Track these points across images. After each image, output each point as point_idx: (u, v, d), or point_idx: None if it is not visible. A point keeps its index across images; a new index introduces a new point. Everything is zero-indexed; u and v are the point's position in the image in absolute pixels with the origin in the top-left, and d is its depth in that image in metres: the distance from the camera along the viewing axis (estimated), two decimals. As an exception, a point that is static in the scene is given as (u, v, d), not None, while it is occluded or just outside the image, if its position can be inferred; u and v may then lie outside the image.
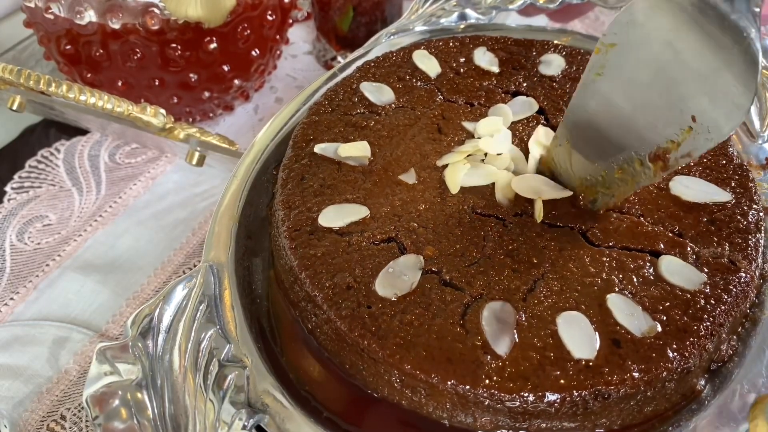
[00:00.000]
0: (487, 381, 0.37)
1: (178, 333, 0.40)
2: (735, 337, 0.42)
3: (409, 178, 0.49)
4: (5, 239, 0.63)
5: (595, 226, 0.45)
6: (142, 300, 0.58)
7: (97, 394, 0.38)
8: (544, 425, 0.39)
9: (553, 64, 0.59)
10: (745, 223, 0.46)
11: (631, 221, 0.46)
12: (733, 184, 0.48)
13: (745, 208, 0.47)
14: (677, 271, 0.42)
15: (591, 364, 0.38)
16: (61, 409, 0.51)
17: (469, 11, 0.67)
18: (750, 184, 0.48)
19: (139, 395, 0.38)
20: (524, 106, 0.55)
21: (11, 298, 0.58)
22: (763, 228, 0.46)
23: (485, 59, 0.60)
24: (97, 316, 0.57)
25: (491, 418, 0.38)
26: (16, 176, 0.69)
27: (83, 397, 0.38)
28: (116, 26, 0.61)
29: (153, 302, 0.41)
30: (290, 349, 0.45)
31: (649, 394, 0.38)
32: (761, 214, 0.47)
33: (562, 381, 0.37)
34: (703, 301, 0.41)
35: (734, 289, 0.42)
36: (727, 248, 0.44)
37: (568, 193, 0.47)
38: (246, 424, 0.38)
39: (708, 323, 0.40)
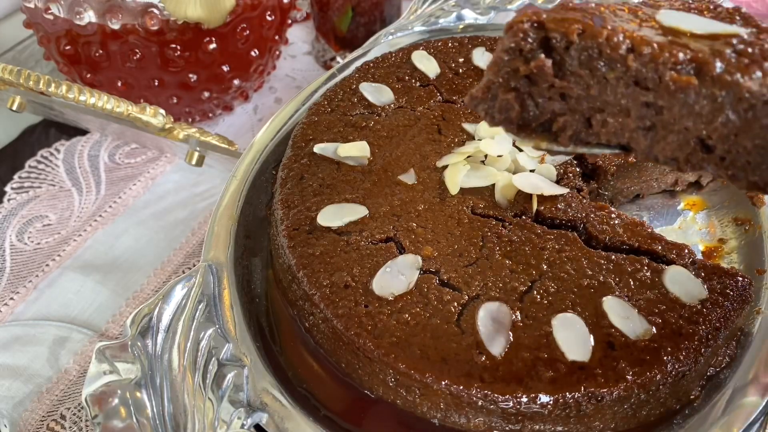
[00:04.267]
0: (480, 381, 0.37)
1: (177, 332, 0.41)
2: (734, 342, 0.42)
3: (409, 178, 0.49)
4: (5, 239, 0.63)
5: (594, 227, 0.45)
6: (141, 300, 0.58)
7: (97, 393, 0.38)
8: (537, 428, 0.39)
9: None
10: None
11: (630, 221, 0.46)
12: None
13: None
14: (681, 281, 0.42)
15: (584, 366, 0.38)
16: (60, 409, 0.51)
17: (467, 11, 0.67)
18: None
19: (138, 394, 0.38)
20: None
21: (11, 298, 0.58)
22: None
23: (484, 59, 0.60)
24: (96, 316, 0.57)
25: (484, 419, 0.39)
26: (16, 176, 0.69)
27: (82, 396, 0.38)
28: (116, 27, 0.61)
29: (152, 302, 0.41)
30: (289, 348, 0.45)
31: (643, 397, 0.38)
32: None
33: (555, 382, 0.37)
34: (699, 305, 0.41)
35: (731, 293, 0.42)
36: None
37: (566, 191, 0.47)
38: (245, 423, 0.38)
39: (704, 327, 0.40)
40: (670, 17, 0.34)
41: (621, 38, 0.31)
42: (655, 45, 0.31)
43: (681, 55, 0.31)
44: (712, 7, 0.38)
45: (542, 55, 0.33)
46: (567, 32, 0.32)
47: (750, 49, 0.31)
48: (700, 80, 0.31)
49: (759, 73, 0.30)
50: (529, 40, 0.33)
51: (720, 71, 0.30)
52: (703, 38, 0.33)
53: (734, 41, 0.32)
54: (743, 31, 0.33)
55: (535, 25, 0.33)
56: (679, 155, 0.33)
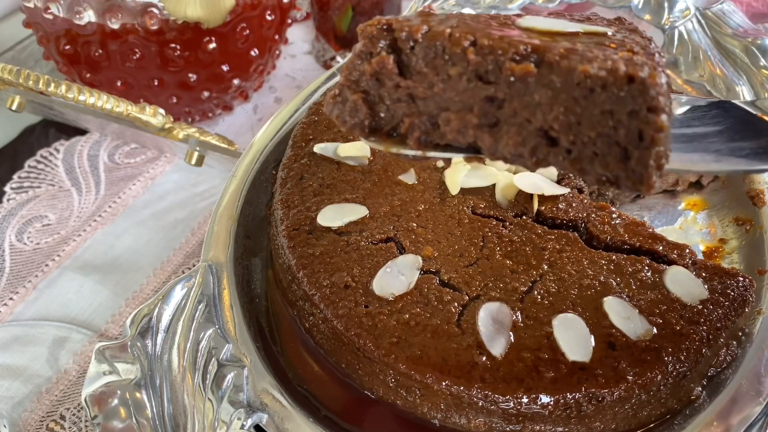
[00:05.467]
0: (481, 382, 0.37)
1: (177, 332, 0.40)
2: (735, 342, 0.42)
3: (409, 178, 0.49)
4: (5, 239, 0.63)
5: (595, 227, 0.45)
6: (141, 300, 0.58)
7: (96, 394, 0.38)
8: (537, 428, 0.39)
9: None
10: None
11: (631, 221, 0.46)
12: None
13: None
14: (681, 282, 0.42)
15: (585, 366, 0.38)
16: (60, 409, 0.51)
17: (468, 11, 0.67)
18: None
19: (138, 395, 0.38)
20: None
21: (11, 298, 0.58)
22: None
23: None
24: (96, 316, 0.57)
25: (485, 419, 0.38)
26: (15, 176, 0.69)
27: (82, 396, 0.38)
28: (115, 26, 0.61)
29: (152, 302, 0.41)
30: (289, 348, 0.45)
31: (643, 398, 0.38)
32: None
33: (556, 383, 0.37)
34: (700, 306, 0.41)
35: (732, 293, 0.42)
36: None
37: (566, 191, 0.47)
38: (245, 423, 0.38)
39: (705, 328, 0.40)
40: (531, 21, 0.34)
41: (463, 34, 0.32)
42: (496, 38, 0.31)
43: (521, 47, 0.30)
44: (593, 18, 0.38)
45: (384, 53, 0.33)
46: (411, 31, 0.32)
47: (607, 42, 0.31)
48: (539, 69, 0.30)
49: (602, 58, 0.29)
50: (380, 42, 0.33)
51: (558, 58, 0.29)
52: (560, 35, 0.32)
53: (594, 39, 0.31)
54: (610, 31, 0.33)
55: (385, 27, 0.33)
56: (524, 150, 0.32)
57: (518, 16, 0.36)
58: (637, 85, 0.28)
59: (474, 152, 0.34)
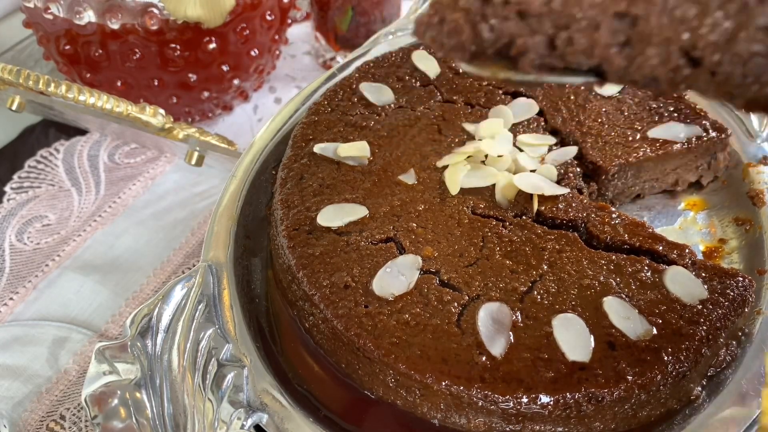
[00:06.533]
0: (481, 382, 0.37)
1: (177, 332, 0.40)
2: (734, 342, 0.42)
3: (409, 178, 0.49)
4: (5, 239, 0.63)
5: (595, 226, 0.45)
6: (141, 300, 0.58)
7: (96, 394, 0.38)
8: (537, 428, 0.39)
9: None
10: None
11: (631, 221, 0.46)
12: None
13: None
14: (681, 282, 0.42)
15: (585, 366, 0.38)
16: (60, 409, 0.51)
17: None
18: None
19: (138, 395, 0.38)
20: (524, 108, 0.55)
21: (11, 298, 0.58)
22: None
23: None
24: (96, 316, 0.57)
25: (485, 419, 0.38)
26: (15, 176, 0.69)
27: (82, 396, 0.38)
28: (115, 26, 0.61)
29: (152, 302, 0.41)
30: (289, 348, 0.45)
31: (643, 397, 0.38)
32: None
33: (556, 383, 0.37)
34: (700, 306, 0.41)
35: (732, 293, 0.41)
36: None
37: (566, 191, 0.47)
38: (244, 423, 0.38)
39: (704, 328, 0.40)
40: None
41: None
42: None
43: None
44: None
45: None
46: None
47: None
48: None
49: None
50: None
51: None
52: None
53: None
54: None
55: None
56: (661, 73, 0.28)
57: None
58: None
59: (596, 76, 0.30)
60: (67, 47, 0.64)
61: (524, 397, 0.37)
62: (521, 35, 0.30)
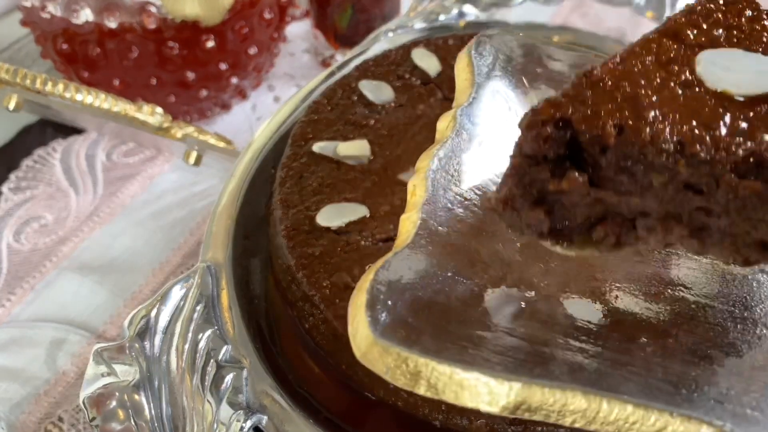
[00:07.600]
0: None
1: (175, 334, 0.40)
2: None
3: (410, 177, 0.48)
4: (2, 240, 0.62)
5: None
6: (139, 301, 0.58)
7: (95, 396, 0.37)
8: (539, 429, 0.38)
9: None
10: None
11: None
12: None
13: None
14: None
15: None
16: (58, 411, 0.50)
17: (469, 8, 0.67)
18: None
19: (136, 396, 0.38)
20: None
21: (8, 300, 0.58)
22: None
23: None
24: (94, 317, 0.56)
25: (487, 420, 0.38)
26: (12, 176, 0.68)
27: (80, 398, 0.38)
28: (113, 25, 0.61)
29: (150, 303, 0.41)
30: (289, 349, 0.45)
31: None
32: None
33: None
34: None
35: None
36: None
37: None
38: (244, 425, 0.38)
39: None
40: (712, 69, 0.28)
41: (667, 135, 0.26)
42: (707, 140, 0.26)
43: (740, 152, 0.25)
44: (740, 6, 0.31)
45: (575, 173, 0.28)
46: (602, 135, 0.27)
47: None
48: (763, 180, 0.25)
49: None
50: (554, 144, 0.28)
51: None
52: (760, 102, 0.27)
53: None
54: None
55: (560, 124, 0.27)
56: (736, 258, 0.28)
57: (674, 36, 0.30)
58: None
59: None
60: (65, 46, 0.64)
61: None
62: (600, 221, 0.30)
